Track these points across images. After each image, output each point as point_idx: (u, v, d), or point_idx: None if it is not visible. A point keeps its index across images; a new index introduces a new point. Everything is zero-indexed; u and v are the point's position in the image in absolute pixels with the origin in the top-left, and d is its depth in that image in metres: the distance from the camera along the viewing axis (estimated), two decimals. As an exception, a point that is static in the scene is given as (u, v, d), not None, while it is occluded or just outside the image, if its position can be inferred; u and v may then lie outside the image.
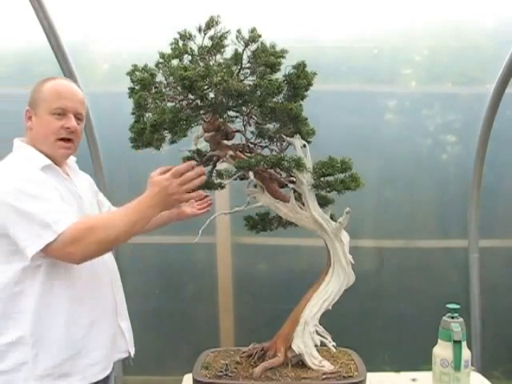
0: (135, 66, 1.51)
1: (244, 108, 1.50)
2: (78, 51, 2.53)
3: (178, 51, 1.49)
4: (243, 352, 1.66)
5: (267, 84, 1.42)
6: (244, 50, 1.47)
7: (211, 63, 1.48)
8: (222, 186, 1.62)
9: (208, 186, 1.59)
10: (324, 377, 1.53)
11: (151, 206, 1.42)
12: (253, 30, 1.48)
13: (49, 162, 1.54)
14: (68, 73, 2.46)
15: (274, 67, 1.49)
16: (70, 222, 1.40)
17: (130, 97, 1.52)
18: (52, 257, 1.42)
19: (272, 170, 1.58)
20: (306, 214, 1.58)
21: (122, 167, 2.78)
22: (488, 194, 2.73)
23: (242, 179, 1.59)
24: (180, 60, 1.49)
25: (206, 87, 1.43)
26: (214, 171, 1.62)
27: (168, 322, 2.83)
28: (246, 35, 1.48)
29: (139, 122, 1.51)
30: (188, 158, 1.62)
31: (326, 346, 1.64)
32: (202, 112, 1.50)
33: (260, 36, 1.49)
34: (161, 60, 1.51)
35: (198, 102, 1.47)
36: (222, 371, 1.54)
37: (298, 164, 1.49)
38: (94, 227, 1.40)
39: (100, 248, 1.42)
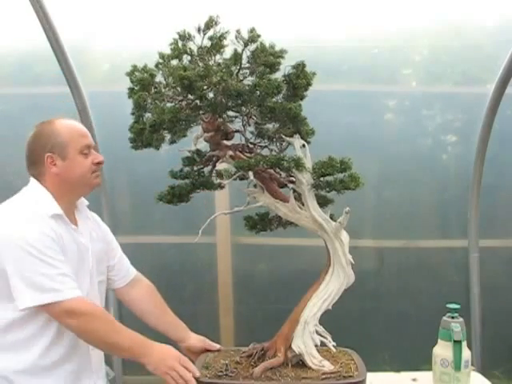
0: (134, 66, 1.50)
1: (243, 108, 1.50)
2: (77, 51, 2.54)
3: (178, 51, 1.49)
4: (243, 352, 1.65)
5: (266, 84, 1.42)
6: (243, 49, 1.47)
7: (210, 63, 1.48)
8: (221, 186, 1.62)
9: (207, 186, 1.59)
10: (324, 377, 1.51)
11: (147, 354, 1.46)
12: (252, 30, 1.47)
13: (61, 211, 1.53)
14: (68, 72, 2.46)
15: (273, 67, 1.49)
16: (75, 294, 1.44)
17: (129, 97, 1.51)
18: (48, 314, 1.47)
19: (271, 170, 1.57)
20: (306, 214, 1.57)
21: (122, 166, 2.78)
22: (488, 193, 2.74)
23: (241, 179, 1.59)
24: (179, 60, 1.49)
25: (205, 87, 1.42)
26: (214, 171, 1.62)
27: None
28: (246, 35, 1.48)
29: (138, 122, 1.51)
30: (188, 158, 1.62)
31: (325, 345, 1.63)
32: (201, 112, 1.50)
33: (259, 36, 1.48)
34: (160, 60, 1.51)
35: (198, 102, 1.47)
36: (222, 371, 1.53)
37: (298, 164, 1.49)
38: (100, 318, 1.46)
39: (93, 338, 1.48)
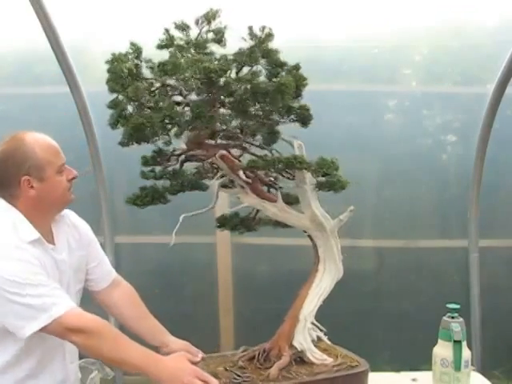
0: (118, 55, 1.43)
1: (267, 107, 1.43)
2: (78, 51, 2.53)
3: (172, 41, 1.45)
4: (241, 356, 1.64)
5: (290, 83, 1.38)
6: (258, 47, 1.43)
7: (213, 57, 1.45)
8: (205, 188, 1.59)
9: (197, 186, 1.57)
10: (336, 369, 1.53)
11: (158, 370, 1.39)
12: (263, 28, 1.44)
13: (37, 235, 1.48)
14: (68, 72, 2.46)
15: (283, 66, 1.47)
16: (69, 306, 1.40)
17: (117, 90, 1.42)
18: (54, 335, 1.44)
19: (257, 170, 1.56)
20: (295, 214, 1.58)
21: (122, 166, 2.78)
22: (488, 193, 2.73)
23: (222, 177, 1.57)
24: (170, 49, 1.45)
25: (232, 83, 1.38)
26: (196, 171, 1.58)
27: (168, 323, 2.83)
28: (258, 33, 1.44)
29: (133, 116, 1.40)
30: (152, 158, 1.55)
31: (319, 340, 1.65)
32: (227, 110, 1.44)
33: (273, 35, 1.45)
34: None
35: (224, 98, 1.40)
36: (235, 378, 1.49)
37: (309, 165, 1.47)
38: (104, 334, 1.40)
39: (99, 355, 1.44)
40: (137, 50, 1.45)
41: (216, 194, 1.59)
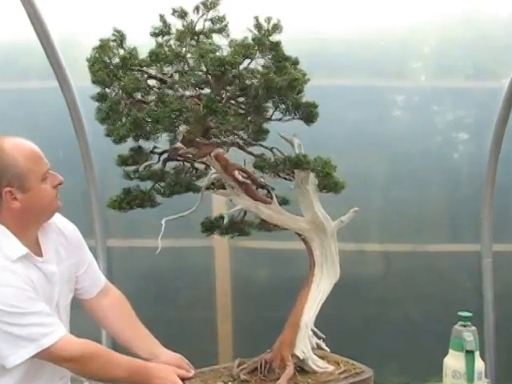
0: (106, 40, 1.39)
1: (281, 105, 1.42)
2: (67, 44, 2.51)
3: (168, 29, 1.42)
4: (242, 369, 1.63)
5: (302, 79, 1.39)
6: (266, 38, 1.39)
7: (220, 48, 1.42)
8: (198, 189, 1.57)
9: (192, 188, 1.55)
10: (343, 376, 1.55)
11: (149, 378, 1.50)
12: (269, 19, 1.41)
13: (25, 251, 1.45)
14: (57, 66, 2.45)
15: (289, 60, 1.45)
16: (59, 336, 1.41)
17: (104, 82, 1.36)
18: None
19: (250, 170, 1.55)
20: (291, 215, 1.58)
21: (114, 165, 2.75)
22: (502, 194, 2.71)
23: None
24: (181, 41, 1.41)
25: (246, 77, 1.36)
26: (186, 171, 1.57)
27: (163, 330, 2.77)
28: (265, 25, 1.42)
29: (131, 110, 1.34)
30: (131, 157, 1.52)
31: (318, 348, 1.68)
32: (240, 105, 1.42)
33: (281, 26, 1.43)
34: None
35: (238, 93, 1.37)
36: None
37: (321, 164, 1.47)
38: (94, 357, 1.46)
39: (92, 377, 1.54)
40: (120, 37, 1.41)
41: (200, 196, 1.57)
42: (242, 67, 1.39)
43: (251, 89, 1.38)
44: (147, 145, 1.46)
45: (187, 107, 1.35)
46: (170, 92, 1.39)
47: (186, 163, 1.55)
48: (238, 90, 1.39)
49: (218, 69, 1.32)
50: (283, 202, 1.63)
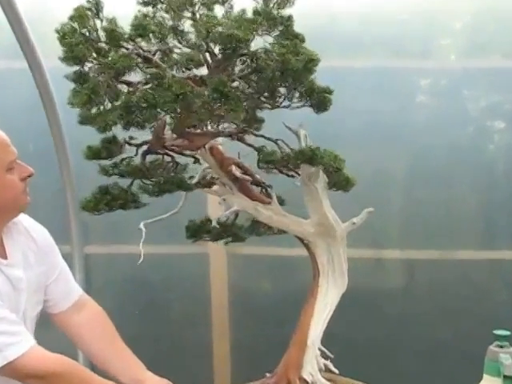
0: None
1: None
2: (36, 18, 2.51)
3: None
4: None
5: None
6: (276, 12, 1.42)
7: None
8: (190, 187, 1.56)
9: (183, 186, 1.55)
10: None
11: None
12: None
13: None
14: (25, 44, 2.42)
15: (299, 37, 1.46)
16: (27, 347, 1.39)
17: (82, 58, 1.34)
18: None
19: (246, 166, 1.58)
20: (294, 218, 1.61)
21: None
22: (544, 194, 2.60)
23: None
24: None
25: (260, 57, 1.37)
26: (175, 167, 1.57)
27: (149, 351, 2.82)
28: None
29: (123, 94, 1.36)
30: (104, 148, 1.51)
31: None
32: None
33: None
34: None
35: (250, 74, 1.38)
36: None
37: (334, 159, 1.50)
38: (69, 376, 1.44)
39: None
40: (96, 6, 1.39)
41: (184, 195, 1.60)
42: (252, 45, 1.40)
43: (267, 70, 1.37)
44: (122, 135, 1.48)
45: (192, 91, 1.31)
46: (169, 73, 1.38)
47: (165, 157, 1.55)
48: (250, 72, 1.38)
49: (229, 46, 1.31)
50: (279, 202, 1.64)
